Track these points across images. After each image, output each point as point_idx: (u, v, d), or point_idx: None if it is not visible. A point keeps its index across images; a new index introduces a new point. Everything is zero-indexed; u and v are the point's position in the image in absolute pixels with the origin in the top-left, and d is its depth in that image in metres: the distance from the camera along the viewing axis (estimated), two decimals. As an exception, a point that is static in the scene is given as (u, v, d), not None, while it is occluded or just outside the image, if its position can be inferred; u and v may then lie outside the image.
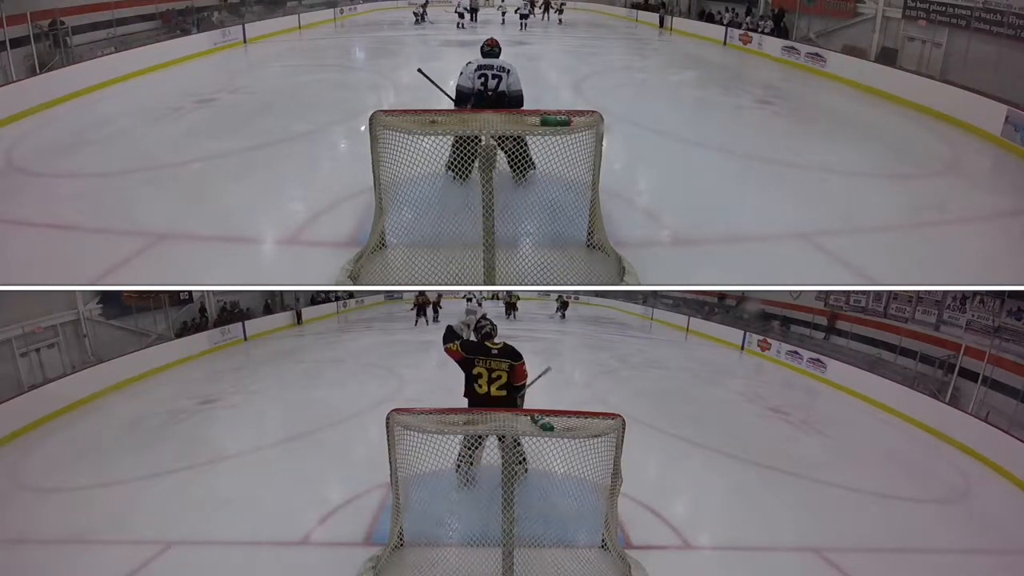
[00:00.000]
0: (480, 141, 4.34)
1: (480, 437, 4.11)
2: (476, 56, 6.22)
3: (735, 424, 8.48)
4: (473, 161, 4.52)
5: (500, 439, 3.81)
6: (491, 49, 6.15)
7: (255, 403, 9.25)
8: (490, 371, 4.72)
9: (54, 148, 8.11)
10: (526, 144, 5.00)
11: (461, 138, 4.53)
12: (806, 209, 6.44)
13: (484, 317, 5.19)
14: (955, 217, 6.64)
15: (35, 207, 6.27)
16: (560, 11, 23.23)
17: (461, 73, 6.11)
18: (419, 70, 6.72)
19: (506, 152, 4.87)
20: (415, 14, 21.98)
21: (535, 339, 15.03)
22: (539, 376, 5.21)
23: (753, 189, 7.00)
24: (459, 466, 4.44)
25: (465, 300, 18.27)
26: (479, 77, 5.96)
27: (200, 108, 9.96)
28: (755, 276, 5.57)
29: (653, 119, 9.66)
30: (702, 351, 14.76)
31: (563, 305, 20.45)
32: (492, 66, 6.00)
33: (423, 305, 17.78)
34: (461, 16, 20.88)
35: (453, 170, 4.97)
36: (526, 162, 5.01)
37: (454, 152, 4.78)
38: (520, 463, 4.43)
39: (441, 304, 18.58)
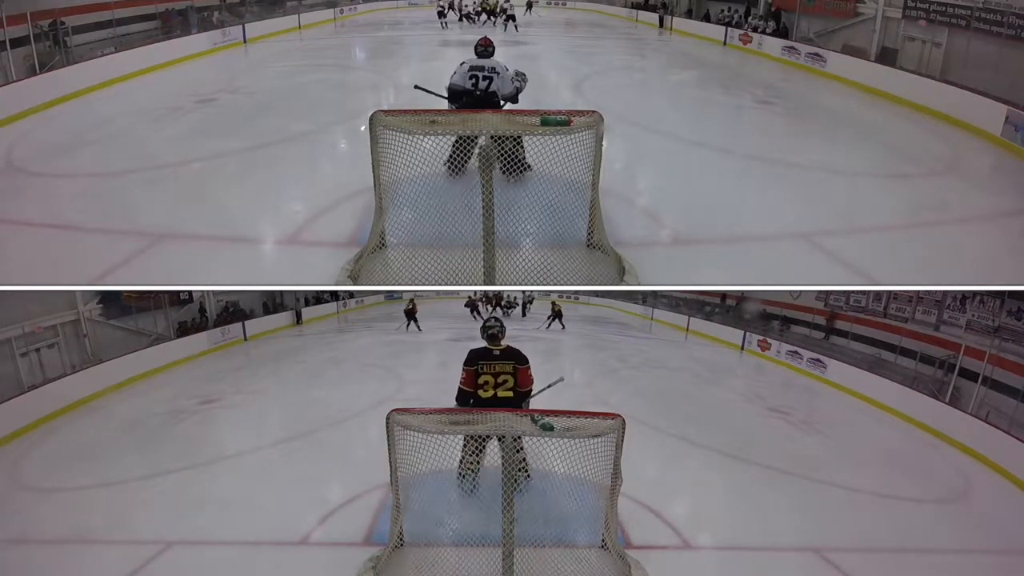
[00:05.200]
0: (477, 140, 4.34)
1: (482, 443, 4.06)
2: (471, 56, 6.26)
3: (735, 424, 8.48)
4: (468, 157, 4.57)
5: (500, 440, 3.79)
6: (484, 49, 6.16)
7: (255, 403, 9.24)
8: (496, 376, 4.58)
9: (54, 148, 8.11)
10: (522, 147, 4.98)
11: (461, 137, 4.61)
12: (806, 209, 6.45)
13: (493, 318, 5.04)
14: (955, 217, 6.65)
15: (35, 207, 6.27)
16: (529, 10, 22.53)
17: (455, 72, 6.18)
18: (416, 86, 6.56)
19: (501, 154, 4.83)
20: (439, 13, 21.26)
21: (536, 339, 15.04)
22: (548, 386, 4.95)
23: (753, 189, 7.00)
24: (462, 475, 4.36)
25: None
26: (470, 78, 6.04)
27: (200, 108, 9.95)
28: (755, 276, 5.57)
29: (653, 119, 9.67)
30: (702, 351, 14.75)
31: (557, 314, 17.14)
32: (484, 67, 6.06)
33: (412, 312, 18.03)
34: (446, 16, 20.80)
35: (449, 165, 5.08)
36: (520, 164, 4.92)
37: (453, 149, 4.92)
38: (522, 470, 4.33)
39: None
